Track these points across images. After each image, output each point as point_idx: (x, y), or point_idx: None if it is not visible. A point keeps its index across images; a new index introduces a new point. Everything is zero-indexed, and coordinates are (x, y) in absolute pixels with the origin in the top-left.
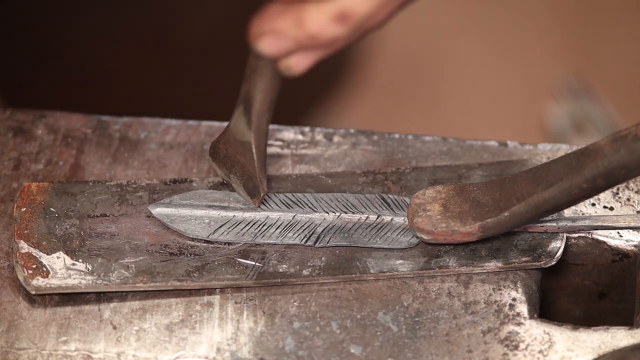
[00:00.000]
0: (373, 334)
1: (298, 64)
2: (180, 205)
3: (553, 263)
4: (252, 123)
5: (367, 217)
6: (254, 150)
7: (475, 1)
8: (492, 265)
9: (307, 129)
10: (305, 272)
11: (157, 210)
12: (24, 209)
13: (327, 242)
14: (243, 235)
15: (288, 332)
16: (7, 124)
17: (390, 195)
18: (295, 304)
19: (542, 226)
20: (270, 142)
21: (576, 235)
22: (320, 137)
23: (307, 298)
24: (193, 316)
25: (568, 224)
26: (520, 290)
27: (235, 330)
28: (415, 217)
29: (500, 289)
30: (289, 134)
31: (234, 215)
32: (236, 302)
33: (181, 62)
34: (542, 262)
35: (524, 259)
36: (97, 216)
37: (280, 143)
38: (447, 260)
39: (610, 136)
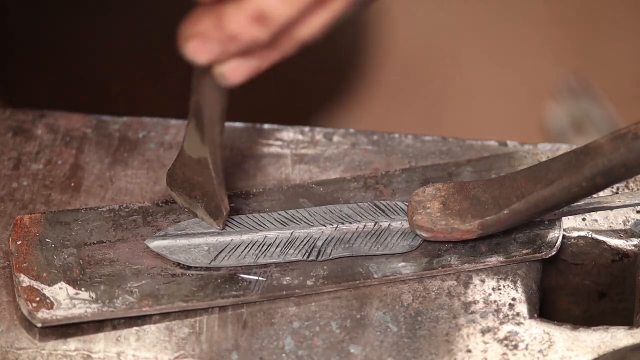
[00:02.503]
0: (373, 334)
1: (232, 72)
2: (177, 236)
3: (554, 253)
4: (205, 137)
5: (365, 226)
6: (211, 167)
7: (475, 1)
8: (494, 260)
9: (307, 129)
10: (309, 283)
11: (155, 244)
12: (20, 242)
13: (330, 255)
14: (245, 258)
15: (288, 332)
16: (7, 124)
17: (383, 202)
18: (295, 304)
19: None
20: (270, 142)
21: (576, 235)
22: (320, 137)
23: (307, 298)
24: (193, 316)
25: (565, 209)
26: (520, 290)
27: (235, 330)
28: (415, 214)
29: (500, 289)
30: (289, 134)
31: (232, 240)
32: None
33: (182, 61)
34: (543, 254)
35: (524, 251)
36: (94, 243)
37: (280, 143)
38: (449, 259)
39: (610, 135)
